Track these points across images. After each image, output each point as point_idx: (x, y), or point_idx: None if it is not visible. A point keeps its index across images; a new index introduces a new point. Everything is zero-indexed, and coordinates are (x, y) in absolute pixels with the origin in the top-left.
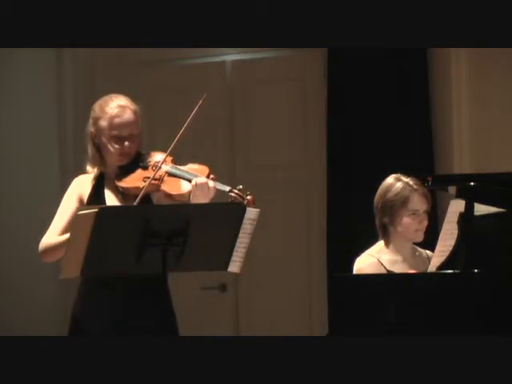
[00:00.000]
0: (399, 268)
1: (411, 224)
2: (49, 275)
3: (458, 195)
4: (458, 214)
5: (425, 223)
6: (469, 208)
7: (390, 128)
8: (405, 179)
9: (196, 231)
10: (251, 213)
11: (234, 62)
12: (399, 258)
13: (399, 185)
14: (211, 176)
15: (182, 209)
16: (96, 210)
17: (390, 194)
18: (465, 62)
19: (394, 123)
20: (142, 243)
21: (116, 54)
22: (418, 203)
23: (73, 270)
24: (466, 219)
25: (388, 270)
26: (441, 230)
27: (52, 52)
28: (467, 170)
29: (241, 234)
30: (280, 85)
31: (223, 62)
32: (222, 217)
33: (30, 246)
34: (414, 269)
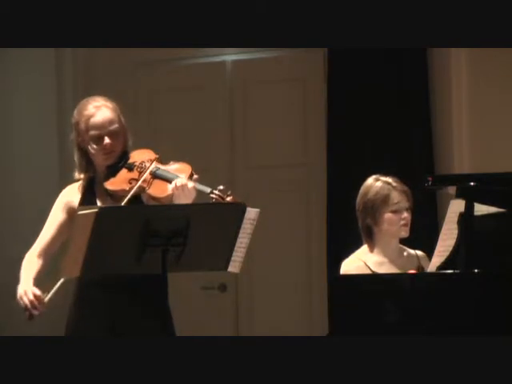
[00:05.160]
0: (386, 269)
1: (394, 220)
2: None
3: (458, 195)
4: (457, 214)
5: (408, 218)
6: (469, 208)
7: (390, 128)
8: (383, 178)
9: (196, 231)
10: (251, 213)
11: (234, 61)
12: (385, 259)
13: (378, 184)
14: (194, 176)
15: (181, 209)
16: (96, 209)
17: (370, 194)
18: (465, 62)
19: (394, 123)
20: (142, 243)
21: (116, 54)
22: (399, 199)
23: (73, 269)
24: (466, 219)
25: (373, 272)
26: (441, 229)
27: (52, 52)
28: (467, 170)
29: (241, 234)
30: (280, 85)
31: (223, 61)
32: (221, 217)
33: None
34: (401, 269)
